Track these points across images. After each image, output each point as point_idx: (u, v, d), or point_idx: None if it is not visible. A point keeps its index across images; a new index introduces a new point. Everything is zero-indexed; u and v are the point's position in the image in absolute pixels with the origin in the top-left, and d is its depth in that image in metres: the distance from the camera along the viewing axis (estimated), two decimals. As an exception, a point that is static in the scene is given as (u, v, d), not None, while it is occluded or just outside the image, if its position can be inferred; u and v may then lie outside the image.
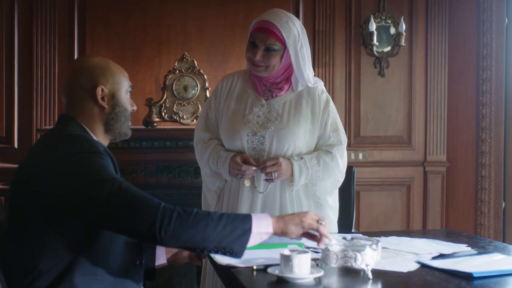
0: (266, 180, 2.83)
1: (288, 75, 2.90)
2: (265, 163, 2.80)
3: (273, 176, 2.79)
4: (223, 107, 2.95)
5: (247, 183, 2.85)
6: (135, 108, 2.27)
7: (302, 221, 2.06)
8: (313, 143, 2.94)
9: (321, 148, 2.94)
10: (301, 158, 2.85)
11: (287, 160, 2.82)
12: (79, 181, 1.88)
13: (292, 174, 2.84)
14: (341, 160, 2.93)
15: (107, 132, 2.18)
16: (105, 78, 2.15)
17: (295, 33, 2.81)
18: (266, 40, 2.78)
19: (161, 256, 2.40)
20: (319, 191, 2.93)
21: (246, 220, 1.96)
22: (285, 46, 2.80)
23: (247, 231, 1.96)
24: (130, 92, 2.25)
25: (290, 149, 2.86)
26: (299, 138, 2.87)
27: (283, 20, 2.80)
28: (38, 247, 1.92)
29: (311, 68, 2.93)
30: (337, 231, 3.00)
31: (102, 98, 2.13)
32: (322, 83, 3.01)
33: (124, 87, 2.20)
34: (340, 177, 2.97)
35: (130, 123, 2.26)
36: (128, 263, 2.10)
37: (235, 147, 2.89)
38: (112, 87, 2.16)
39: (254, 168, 2.82)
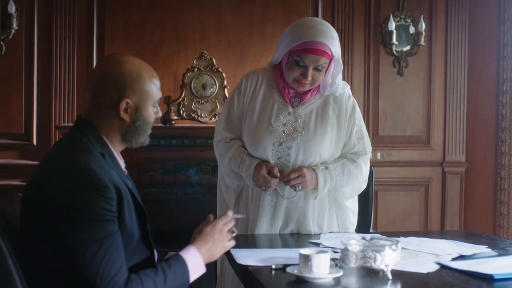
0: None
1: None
2: (289, 176, 2.73)
3: (298, 188, 2.74)
4: (247, 109, 2.87)
5: (268, 193, 2.80)
6: (159, 115, 2.18)
7: (221, 245, 2.18)
8: (338, 151, 2.88)
9: (345, 155, 2.88)
10: (326, 168, 2.79)
11: (311, 170, 2.76)
12: (63, 215, 1.84)
13: (316, 184, 2.80)
14: (365, 168, 2.89)
15: (124, 142, 2.12)
16: (133, 90, 2.04)
17: (337, 43, 2.74)
18: (318, 61, 2.67)
19: None
20: (341, 197, 2.90)
21: (184, 273, 2.05)
22: (330, 60, 2.72)
23: (186, 282, 2.06)
24: (157, 103, 2.15)
25: (316, 160, 2.80)
26: (325, 148, 2.81)
27: (329, 35, 2.69)
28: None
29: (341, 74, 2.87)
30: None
31: (126, 110, 2.04)
32: (348, 87, 2.93)
33: (151, 100, 2.09)
34: (363, 183, 2.92)
35: (150, 131, 2.17)
36: None
37: (258, 155, 2.82)
38: (138, 100, 2.05)
39: (278, 179, 2.76)
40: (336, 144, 2.85)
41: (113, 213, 1.90)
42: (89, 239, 1.83)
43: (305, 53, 2.67)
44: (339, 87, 2.84)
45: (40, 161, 2.06)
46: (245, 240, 2.72)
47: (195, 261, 2.08)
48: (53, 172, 1.93)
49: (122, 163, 2.15)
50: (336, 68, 2.77)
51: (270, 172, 2.75)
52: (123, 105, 2.03)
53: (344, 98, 2.87)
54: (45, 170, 1.98)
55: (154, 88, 2.10)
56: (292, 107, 2.83)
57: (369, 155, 2.92)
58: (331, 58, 2.70)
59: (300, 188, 2.74)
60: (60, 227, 1.83)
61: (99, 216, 1.86)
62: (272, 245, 2.65)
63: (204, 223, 2.20)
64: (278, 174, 2.75)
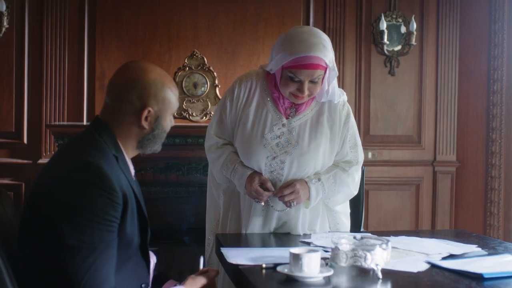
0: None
1: None
2: (282, 192, 2.71)
3: (292, 204, 2.72)
4: (240, 116, 2.82)
5: (261, 204, 2.78)
6: (173, 124, 2.21)
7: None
8: (331, 161, 2.86)
9: (338, 164, 2.87)
10: (319, 180, 2.78)
11: (304, 184, 2.74)
12: (69, 214, 1.84)
13: (309, 197, 2.78)
14: (357, 176, 2.88)
15: (138, 148, 2.13)
16: (156, 100, 2.07)
17: (331, 51, 2.69)
18: (313, 75, 2.63)
19: None
20: (332, 203, 2.90)
21: None
22: (325, 70, 2.68)
23: None
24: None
25: (309, 173, 2.79)
26: (318, 160, 2.79)
27: (320, 46, 2.62)
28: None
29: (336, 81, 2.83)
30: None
31: (146, 118, 2.06)
32: (345, 94, 2.89)
33: (171, 110, 2.13)
34: (354, 190, 2.91)
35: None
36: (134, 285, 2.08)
37: (251, 165, 2.79)
38: (160, 109, 2.09)
39: (271, 193, 2.75)
40: (329, 154, 2.83)
41: (116, 219, 1.90)
42: (84, 241, 1.82)
43: (299, 69, 2.62)
44: (336, 94, 2.80)
45: (51, 158, 2.05)
46: (236, 239, 2.72)
47: None
48: (65, 168, 1.92)
49: (132, 168, 2.15)
50: (331, 75, 2.73)
51: (262, 185, 2.73)
52: (145, 113, 2.05)
53: (339, 106, 2.84)
54: (57, 166, 1.97)
55: (174, 98, 2.14)
56: (287, 118, 2.79)
57: (361, 164, 2.91)
58: (325, 68, 2.66)
59: (295, 204, 2.73)
60: (61, 225, 1.82)
61: (101, 220, 1.85)
62: (263, 244, 2.65)
63: (198, 272, 2.25)
64: (273, 189, 2.74)
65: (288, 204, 2.72)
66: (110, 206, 1.87)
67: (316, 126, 2.80)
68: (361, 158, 2.90)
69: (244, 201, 2.87)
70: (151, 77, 2.07)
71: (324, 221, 2.91)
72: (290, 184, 2.73)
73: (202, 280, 2.19)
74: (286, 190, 2.71)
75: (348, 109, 2.88)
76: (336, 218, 2.92)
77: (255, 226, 2.81)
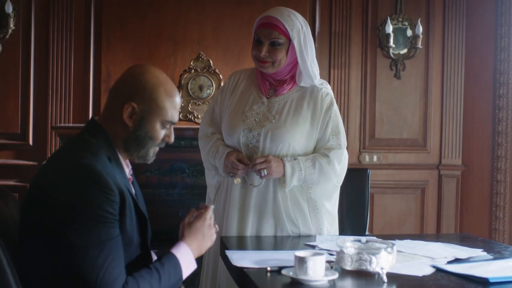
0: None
1: (294, 73, 2.89)
2: (255, 161, 2.77)
3: (263, 173, 2.75)
4: (227, 103, 2.96)
5: (237, 181, 2.84)
6: (171, 140, 2.14)
7: (209, 240, 2.20)
8: (311, 146, 2.90)
9: (319, 151, 2.90)
10: (295, 159, 2.81)
11: (278, 159, 2.79)
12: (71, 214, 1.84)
13: (284, 174, 2.81)
14: (338, 166, 2.88)
15: (126, 151, 2.08)
16: (143, 98, 2.01)
17: (298, 25, 2.81)
18: (270, 35, 2.78)
19: None
20: (315, 194, 2.88)
21: (177, 271, 2.06)
22: (289, 40, 2.80)
23: (179, 279, 2.08)
24: (170, 125, 2.11)
25: (284, 149, 2.82)
26: (295, 139, 2.83)
27: (285, 14, 2.81)
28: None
29: (316, 64, 2.91)
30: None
31: (131, 116, 2.01)
32: (329, 86, 2.98)
33: (160, 116, 2.05)
34: (337, 182, 2.92)
35: (155, 151, 2.14)
36: None
37: (232, 142, 2.88)
38: (146, 109, 2.02)
39: (246, 167, 2.80)
40: (308, 137, 2.87)
41: (115, 216, 1.91)
42: (91, 241, 1.83)
43: (259, 28, 2.82)
44: (316, 74, 2.90)
45: (47, 160, 2.06)
46: (240, 242, 2.72)
47: (187, 258, 2.09)
48: (59, 171, 1.92)
49: (127, 170, 2.14)
50: (303, 49, 2.82)
51: (240, 160, 2.80)
52: (128, 108, 2.01)
53: (321, 94, 2.91)
54: (51, 169, 1.97)
55: (168, 106, 2.05)
56: (267, 98, 2.90)
57: (343, 151, 2.91)
58: (286, 35, 2.78)
59: (266, 173, 2.76)
60: (62, 226, 1.83)
61: (102, 218, 1.86)
62: (268, 247, 2.65)
63: (189, 216, 2.20)
64: (248, 162, 2.80)
65: (258, 173, 2.76)
66: (107, 204, 1.87)
67: (296, 107, 2.88)
68: (343, 144, 2.92)
69: (226, 195, 2.92)
70: (146, 77, 2.04)
71: (306, 217, 2.88)
72: (264, 155, 2.80)
73: (198, 224, 2.17)
74: (258, 159, 2.77)
75: (332, 99, 2.94)
76: (318, 216, 2.90)
77: (234, 212, 2.84)
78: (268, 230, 2.83)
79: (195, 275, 3.13)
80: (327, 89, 2.95)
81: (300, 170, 2.80)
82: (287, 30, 2.78)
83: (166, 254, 2.06)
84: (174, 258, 2.05)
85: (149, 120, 2.04)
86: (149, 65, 2.12)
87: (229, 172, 2.81)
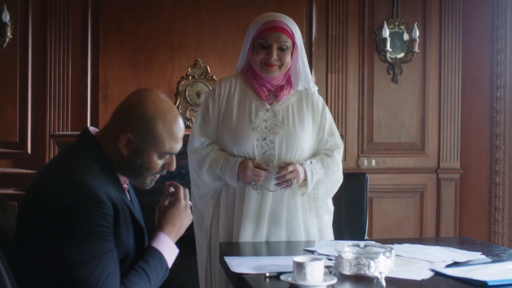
0: (285, 187, 2.79)
1: (288, 76, 2.92)
2: (280, 171, 2.73)
3: (293, 183, 2.75)
4: (224, 111, 2.88)
5: (255, 188, 2.81)
6: (171, 169, 2.10)
7: (187, 221, 2.17)
8: (314, 147, 2.95)
9: (320, 152, 2.94)
10: (311, 163, 2.84)
11: (300, 165, 2.79)
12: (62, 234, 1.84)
13: (305, 179, 2.82)
14: (340, 161, 2.97)
15: (120, 171, 2.06)
16: (138, 130, 1.98)
17: (298, 31, 2.86)
18: (280, 38, 2.78)
19: None
20: (321, 193, 2.93)
21: (162, 264, 2.05)
22: (293, 43, 2.82)
23: (166, 270, 2.08)
24: (170, 156, 2.08)
25: (298, 153, 2.84)
26: (305, 142, 2.86)
27: (288, 18, 2.84)
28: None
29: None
30: (332, 236, 3.00)
31: (127, 145, 1.99)
32: (316, 88, 3.02)
33: (157, 148, 2.01)
34: (340, 177, 2.97)
35: (154, 178, 2.12)
36: None
37: (243, 152, 2.82)
38: (142, 141, 1.99)
39: (267, 172, 2.78)
40: (312, 139, 2.92)
41: (110, 229, 1.90)
42: (87, 256, 1.83)
43: (267, 32, 2.80)
44: (311, 81, 2.95)
45: (40, 172, 2.04)
46: (238, 248, 2.72)
47: (168, 248, 2.08)
48: (51, 186, 1.91)
49: (122, 179, 2.12)
50: (303, 53, 2.88)
51: (258, 167, 2.77)
52: (123, 138, 1.98)
53: (315, 96, 2.97)
54: (43, 183, 1.96)
55: (166, 138, 2.01)
56: (269, 104, 2.88)
57: (341, 149, 2.99)
58: (292, 39, 2.80)
59: (295, 182, 2.76)
60: (57, 241, 1.83)
61: (97, 233, 1.85)
62: (266, 253, 2.65)
63: (163, 199, 2.18)
64: (268, 168, 2.78)
65: (287, 183, 2.75)
66: (101, 218, 1.87)
67: (298, 111, 2.90)
68: (340, 144, 2.99)
69: (236, 201, 2.87)
70: (144, 106, 1.99)
71: (313, 222, 2.90)
72: (288, 164, 2.77)
73: (173, 211, 2.14)
74: (283, 170, 2.74)
75: (323, 101, 3.01)
76: (320, 214, 2.93)
77: (248, 220, 2.81)
78: (281, 236, 2.84)
79: (195, 272, 3.12)
80: (316, 91, 3.01)
81: (317, 173, 2.84)
82: (293, 34, 2.80)
83: (148, 249, 2.05)
84: (157, 253, 2.04)
85: (146, 151, 2.01)
86: (152, 92, 2.06)
87: (250, 181, 2.78)
